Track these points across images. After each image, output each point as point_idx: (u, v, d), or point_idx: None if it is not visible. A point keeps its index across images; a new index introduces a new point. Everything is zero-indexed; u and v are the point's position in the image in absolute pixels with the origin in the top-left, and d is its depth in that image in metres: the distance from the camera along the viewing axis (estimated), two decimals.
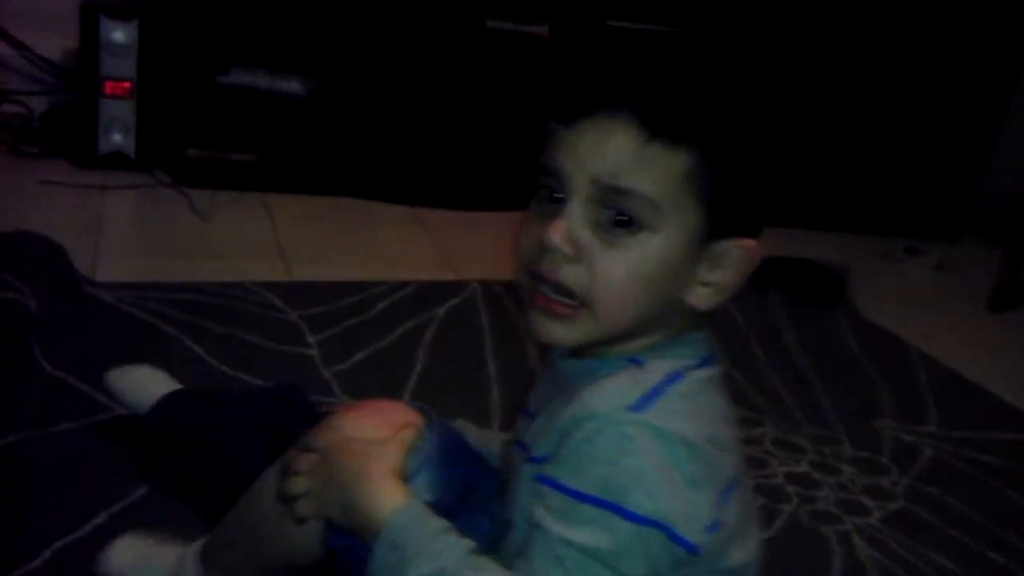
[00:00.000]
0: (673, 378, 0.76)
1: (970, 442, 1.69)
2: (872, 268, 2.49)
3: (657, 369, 0.76)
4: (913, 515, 1.44)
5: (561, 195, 0.76)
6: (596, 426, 0.72)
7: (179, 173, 2.29)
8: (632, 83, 0.75)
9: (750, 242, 0.77)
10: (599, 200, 0.74)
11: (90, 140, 2.28)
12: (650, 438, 0.71)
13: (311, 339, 1.65)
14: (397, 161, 2.45)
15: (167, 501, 1.17)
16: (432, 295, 1.89)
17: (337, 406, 1.29)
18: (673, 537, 0.71)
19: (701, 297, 0.77)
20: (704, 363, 0.79)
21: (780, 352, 1.92)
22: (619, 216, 0.73)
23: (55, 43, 2.39)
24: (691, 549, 0.72)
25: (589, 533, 0.70)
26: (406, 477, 0.82)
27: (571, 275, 0.75)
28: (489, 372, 1.65)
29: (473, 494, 0.87)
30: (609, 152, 0.73)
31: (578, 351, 0.80)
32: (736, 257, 0.77)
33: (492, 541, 0.82)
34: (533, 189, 0.79)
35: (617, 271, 0.74)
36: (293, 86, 2.36)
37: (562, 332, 0.77)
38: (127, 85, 2.27)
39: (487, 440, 0.98)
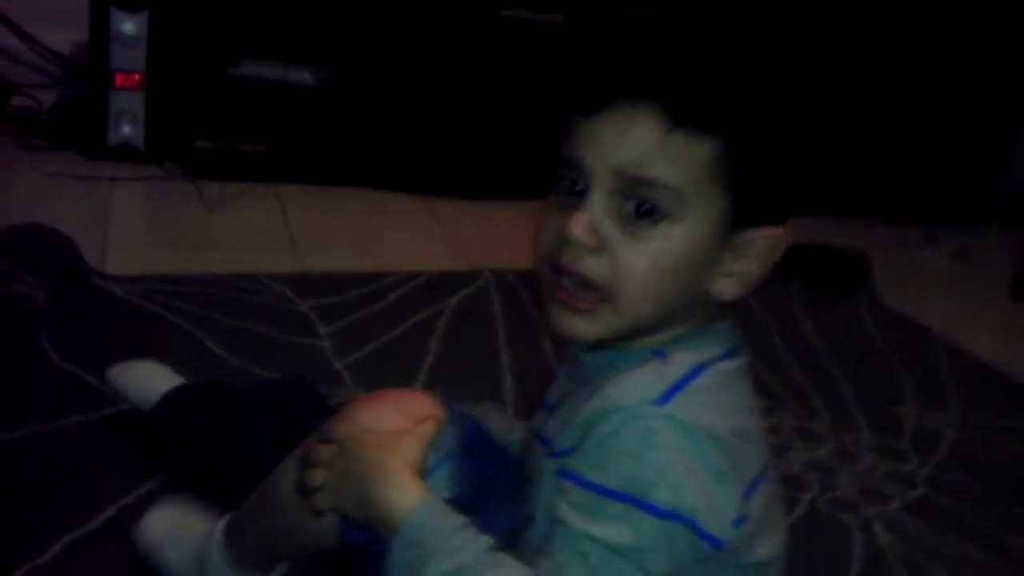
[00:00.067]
0: (697, 370, 0.74)
1: (992, 428, 1.67)
2: (892, 255, 2.46)
3: (681, 361, 0.74)
4: (934, 502, 1.42)
5: (582, 187, 0.74)
6: (620, 420, 0.71)
7: (189, 165, 2.29)
8: (653, 71, 0.73)
9: (776, 231, 0.75)
10: (621, 191, 0.72)
11: (99, 132, 2.28)
12: (675, 431, 0.70)
13: (322, 330, 1.64)
14: (409, 151, 2.44)
15: (176, 495, 1.14)
16: (444, 285, 1.88)
17: (348, 397, 1.27)
18: (698, 532, 0.69)
19: (726, 288, 0.76)
20: (729, 354, 0.77)
21: (799, 340, 1.90)
22: (642, 207, 0.72)
23: (64, 36, 2.39)
24: (716, 544, 0.70)
25: (613, 528, 0.68)
26: (425, 471, 0.80)
27: (593, 267, 0.73)
28: (502, 362, 1.64)
29: (493, 488, 0.86)
30: (631, 142, 0.71)
31: (600, 344, 0.78)
32: (761, 246, 0.75)
33: (512, 536, 0.80)
34: (553, 181, 0.77)
35: (640, 263, 0.73)
36: (304, 76, 2.34)
37: (583, 327, 0.76)
38: (137, 77, 2.26)
39: (510, 427, 0.97)
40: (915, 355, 1.91)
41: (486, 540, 0.73)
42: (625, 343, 0.77)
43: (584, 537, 0.69)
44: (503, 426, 0.97)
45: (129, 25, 2.23)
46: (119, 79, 2.26)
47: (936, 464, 1.52)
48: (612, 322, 0.75)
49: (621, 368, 0.75)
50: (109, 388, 1.29)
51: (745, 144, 0.72)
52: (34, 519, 1.09)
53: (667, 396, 0.72)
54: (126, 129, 2.28)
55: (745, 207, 0.73)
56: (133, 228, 2.05)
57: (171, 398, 1.25)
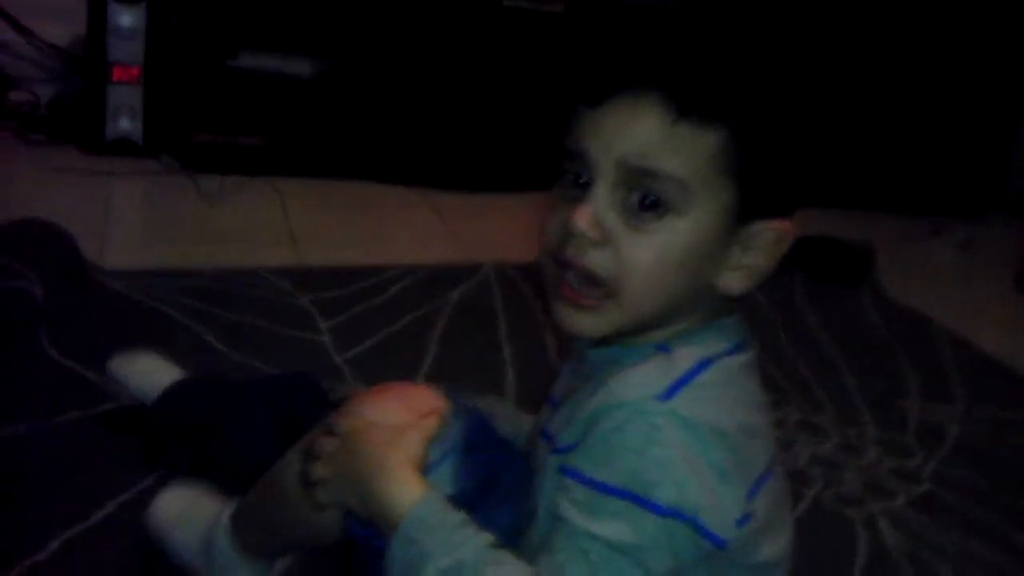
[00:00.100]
0: (703, 365, 0.73)
1: (996, 422, 1.66)
2: (897, 247, 2.45)
3: (686, 356, 0.73)
4: (939, 498, 1.41)
5: (586, 179, 0.73)
6: (623, 416, 0.70)
7: (187, 158, 2.27)
8: (657, 61, 0.72)
9: (783, 223, 0.74)
10: (625, 183, 0.71)
11: (98, 126, 2.27)
12: (678, 428, 0.69)
13: (322, 325, 1.63)
14: (409, 143, 2.42)
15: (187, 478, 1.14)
16: (445, 279, 1.87)
17: (349, 392, 1.26)
18: (700, 530, 0.68)
19: (732, 281, 0.74)
20: (736, 349, 0.76)
21: (804, 332, 1.89)
22: (646, 199, 0.71)
23: (63, 30, 2.37)
24: (719, 543, 0.69)
25: (615, 526, 0.67)
26: (427, 467, 0.80)
27: (597, 260, 0.72)
28: (504, 356, 1.63)
29: (497, 484, 0.85)
30: (635, 133, 0.70)
31: (605, 339, 0.77)
32: (769, 239, 0.74)
33: (516, 532, 0.79)
34: (557, 174, 0.76)
35: (644, 256, 0.72)
36: (302, 68, 2.33)
37: (588, 323, 0.75)
38: (135, 70, 2.25)
39: (518, 421, 0.96)
40: (920, 348, 1.90)
41: (487, 537, 0.72)
42: (630, 338, 0.76)
43: (585, 535, 0.68)
44: (510, 420, 0.96)
45: (127, 18, 2.22)
46: (117, 73, 2.24)
47: (941, 459, 1.51)
48: (617, 318, 0.74)
49: (625, 364, 0.74)
50: (110, 379, 1.29)
51: (751, 135, 0.71)
52: (33, 515, 1.09)
53: (671, 391, 0.70)
54: (124, 123, 2.27)
55: (752, 199, 0.72)
56: (131, 223, 2.05)
57: (172, 393, 1.24)
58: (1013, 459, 1.55)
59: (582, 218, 0.72)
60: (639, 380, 0.72)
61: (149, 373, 1.27)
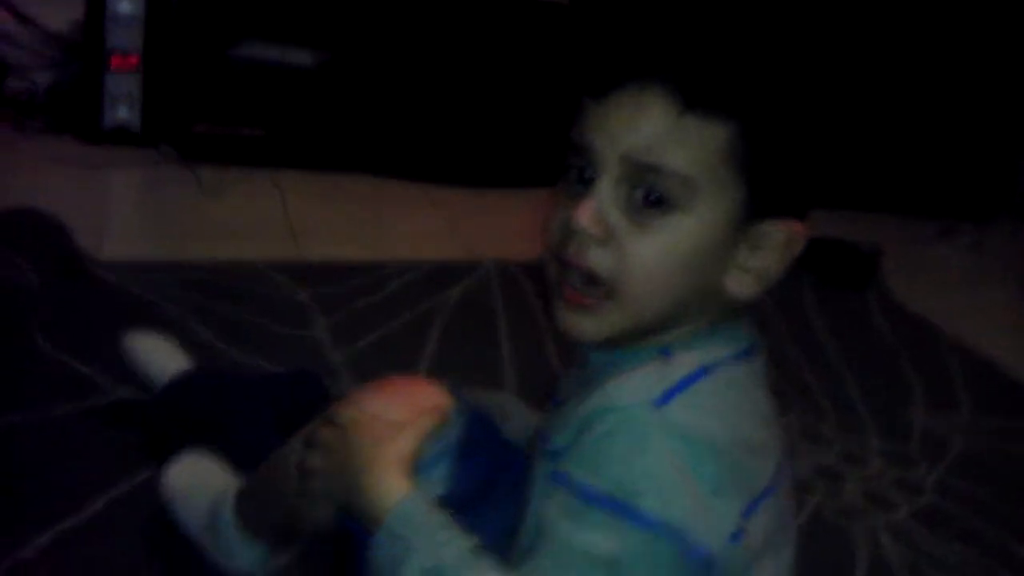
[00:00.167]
0: (702, 372, 0.71)
1: (1002, 432, 1.64)
2: (904, 250, 2.41)
3: (686, 362, 0.71)
4: (942, 510, 1.39)
5: (590, 174, 0.71)
6: (615, 421, 0.68)
7: (186, 149, 2.25)
8: (664, 51, 0.70)
9: (795, 224, 0.71)
10: (630, 179, 0.69)
11: (95, 115, 2.24)
12: (670, 437, 0.66)
13: (321, 320, 1.62)
14: (411, 137, 2.40)
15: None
16: (445, 275, 1.86)
17: (347, 391, 1.25)
18: (687, 547, 0.66)
19: (740, 284, 0.72)
20: (742, 356, 0.73)
21: (808, 336, 1.87)
22: (651, 195, 0.68)
23: (61, 16, 2.34)
24: (708, 558, 0.66)
25: (598, 536, 0.65)
26: (421, 465, 0.79)
27: (599, 260, 0.70)
28: (503, 354, 1.62)
29: (495, 485, 0.84)
30: (640, 126, 0.68)
31: (607, 342, 0.74)
32: (778, 240, 0.71)
33: (512, 535, 0.77)
34: (562, 168, 0.74)
35: (647, 255, 0.69)
36: (304, 59, 2.31)
37: (589, 325, 0.72)
38: (134, 58, 2.22)
39: (530, 421, 0.94)
40: (926, 354, 1.89)
41: (469, 541, 0.71)
42: (633, 342, 0.73)
43: (567, 544, 0.66)
44: (521, 419, 0.94)
45: (126, 5, 2.19)
46: (116, 61, 2.22)
47: (944, 469, 1.50)
48: (618, 319, 0.71)
49: (626, 367, 0.72)
50: (123, 351, 1.30)
51: (761, 129, 0.68)
52: (24, 509, 1.08)
53: (666, 397, 0.68)
54: (122, 112, 2.25)
55: (761, 197, 0.69)
56: (128, 214, 2.03)
57: (176, 385, 1.24)
58: (1017, 470, 1.54)
59: (584, 214, 0.69)
60: (634, 384, 0.70)
61: (159, 357, 1.28)
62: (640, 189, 0.69)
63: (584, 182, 0.71)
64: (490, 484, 0.84)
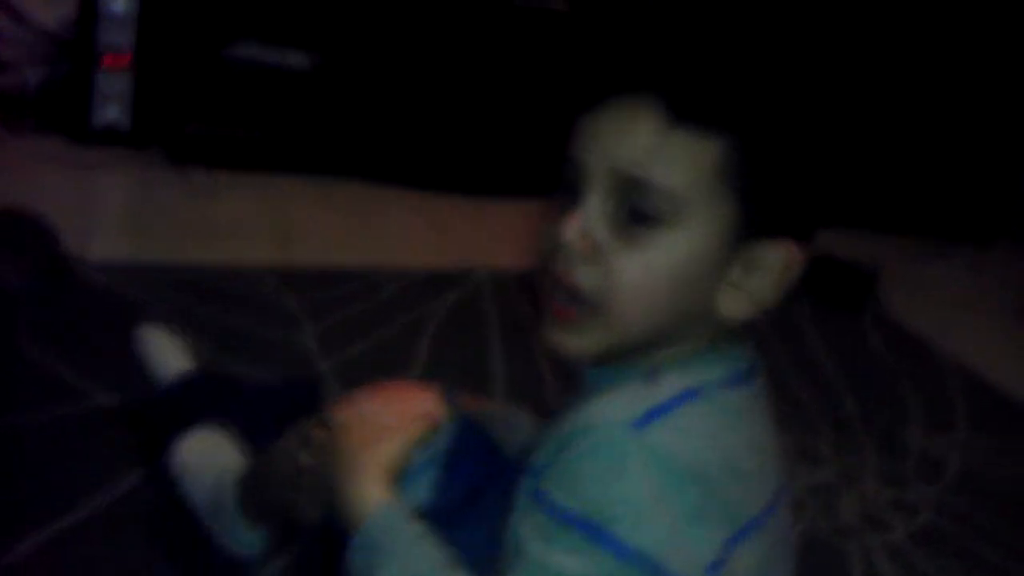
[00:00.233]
0: (689, 395, 0.68)
1: (998, 451, 1.64)
2: (902, 270, 2.40)
3: (672, 383, 0.68)
4: (938, 529, 1.39)
5: (580, 188, 0.69)
6: (593, 441, 0.66)
7: (177, 150, 2.23)
8: (654, 63, 0.68)
9: (792, 246, 0.69)
10: (618, 193, 0.67)
11: (85, 114, 2.22)
12: (647, 463, 0.64)
13: (309, 327, 1.60)
14: (405, 144, 2.38)
15: (155, 495, 1.13)
16: (437, 283, 1.84)
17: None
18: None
19: (733, 305, 0.69)
20: (738, 380, 0.71)
21: (804, 355, 1.86)
22: (638, 211, 0.66)
23: (53, 13, 2.32)
24: None
25: (571, 559, 0.64)
26: (409, 472, 0.79)
27: (584, 276, 0.68)
28: (494, 364, 1.60)
29: (483, 496, 0.83)
30: (629, 140, 0.66)
31: (602, 359, 0.72)
32: (773, 262, 0.68)
33: (498, 546, 0.75)
34: (558, 180, 0.72)
35: (633, 272, 0.67)
36: (299, 61, 2.29)
37: (574, 341, 0.70)
38: (126, 57, 2.20)
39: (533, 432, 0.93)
40: (923, 374, 1.88)
41: (444, 553, 0.71)
42: (622, 359, 0.71)
43: (540, 565, 0.65)
44: (522, 433, 0.92)
45: (119, 3, 2.17)
46: (107, 59, 2.19)
47: (941, 489, 1.49)
48: (603, 336, 0.69)
49: (614, 385, 0.70)
50: (133, 340, 1.31)
51: (753, 145, 0.66)
52: (7, 514, 1.07)
53: (646, 419, 0.66)
54: (113, 112, 2.22)
55: (755, 216, 0.67)
56: (117, 215, 2.01)
57: (177, 387, 1.25)
58: (1014, 489, 1.53)
59: (570, 229, 0.68)
60: (616, 404, 0.68)
61: (165, 354, 1.29)
62: (627, 204, 0.67)
63: (574, 195, 0.69)
64: (478, 493, 0.83)
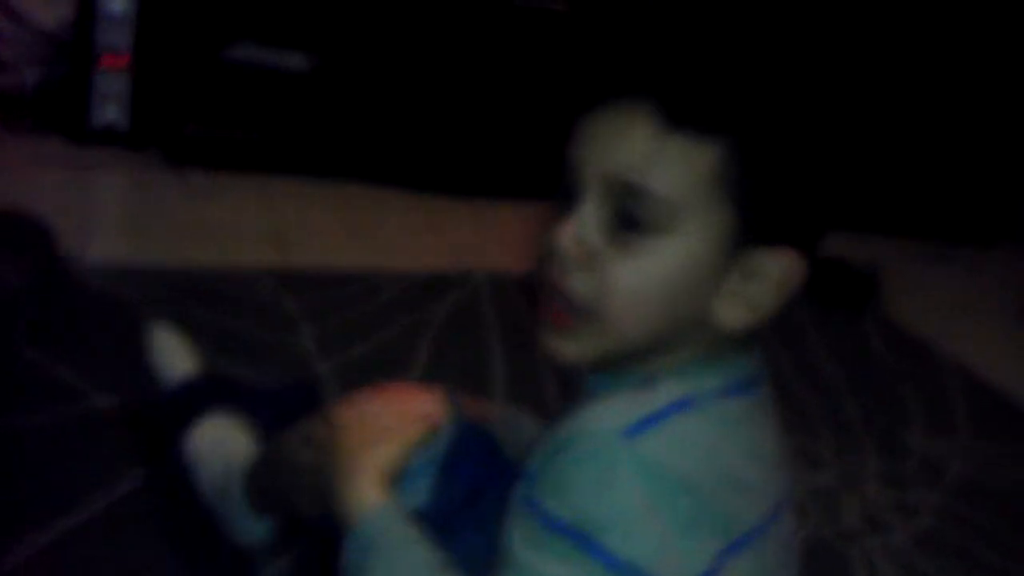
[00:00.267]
0: (683, 404, 0.67)
1: (1001, 456, 1.64)
2: (902, 272, 2.40)
3: (666, 392, 0.67)
4: (939, 533, 1.38)
5: (576, 193, 0.68)
6: (584, 449, 0.65)
7: (175, 151, 2.23)
8: (651, 68, 0.67)
9: (792, 255, 0.67)
10: (613, 199, 0.66)
11: (83, 115, 2.22)
12: (639, 473, 0.63)
13: (308, 329, 1.59)
14: (404, 145, 2.38)
15: (152, 497, 1.13)
16: (436, 286, 1.84)
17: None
18: None
19: (731, 313, 0.68)
20: (740, 389, 0.70)
21: (805, 358, 1.85)
22: (633, 217, 0.65)
23: (52, 13, 2.32)
24: None
25: (560, 568, 0.63)
26: (407, 474, 0.79)
27: (578, 283, 0.67)
28: (494, 367, 1.60)
29: (481, 499, 0.82)
30: (625, 145, 0.65)
31: (599, 365, 0.72)
32: (771, 269, 0.67)
33: (494, 550, 0.75)
34: (558, 185, 0.71)
35: (627, 279, 0.66)
36: (298, 63, 2.28)
37: (570, 348, 0.70)
38: (124, 58, 2.20)
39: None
40: (924, 377, 1.87)
41: (437, 557, 0.71)
42: (619, 366, 0.71)
43: (530, 573, 0.65)
44: (526, 433, 0.92)
45: (118, 3, 2.17)
46: (105, 60, 2.19)
47: (942, 492, 1.49)
48: (599, 343, 0.69)
49: (612, 392, 0.69)
50: (143, 338, 1.30)
51: (750, 151, 0.65)
52: (3, 516, 1.07)
53: (639, 427, 0.65)
54: (111, 112, 2.22)
55: (753, 223, 0.66)
56: (115, 216, 2.01)
57: (183, 391, 1.24)
58: (1015, 493, 1.53)
59: (564, 235, 0.67)
60: (609, 411, 0.67)
61: (172, 356, 1.28)
62: (623, 210, 0.66)
63: (571, 200, 0.69)
64: (478, 496, 0.83)
